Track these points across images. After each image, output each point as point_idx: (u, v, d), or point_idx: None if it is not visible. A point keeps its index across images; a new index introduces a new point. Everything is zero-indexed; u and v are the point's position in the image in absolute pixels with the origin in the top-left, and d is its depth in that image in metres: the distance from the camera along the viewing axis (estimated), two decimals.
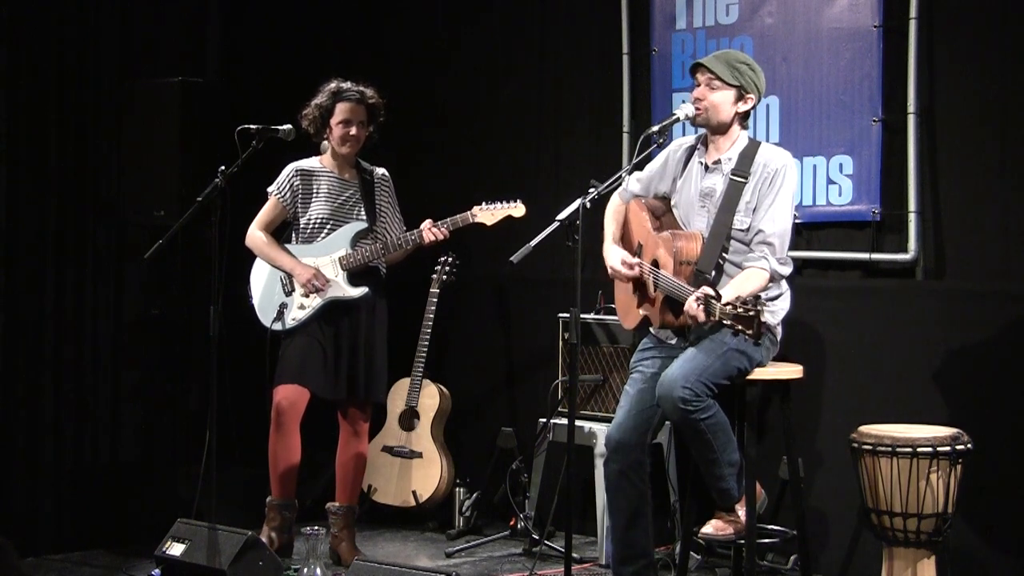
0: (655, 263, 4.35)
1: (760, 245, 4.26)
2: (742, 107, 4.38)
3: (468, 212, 5.08)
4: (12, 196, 5.83)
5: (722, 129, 4.39)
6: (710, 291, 3.99)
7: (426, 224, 5.08)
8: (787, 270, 4.31)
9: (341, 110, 5.09)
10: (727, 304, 3.87)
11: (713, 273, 4.28)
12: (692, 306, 4.03)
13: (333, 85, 5.14)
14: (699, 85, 4.38)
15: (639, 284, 4.46)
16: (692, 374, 4.16)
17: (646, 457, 4.36)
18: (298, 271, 5.10)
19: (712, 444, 4.21)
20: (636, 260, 4.45)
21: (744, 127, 4.43)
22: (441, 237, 5.08)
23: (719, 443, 4.22)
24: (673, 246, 4.29)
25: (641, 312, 4.44)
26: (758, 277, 4.23)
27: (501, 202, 5.08)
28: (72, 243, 6.02)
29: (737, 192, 4.32)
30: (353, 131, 5.10)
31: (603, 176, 4.37)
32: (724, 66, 4.34)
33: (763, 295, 4.07)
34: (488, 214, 5.07)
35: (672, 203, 4.51)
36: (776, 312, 4.36)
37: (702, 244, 4.31)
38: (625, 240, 4.60)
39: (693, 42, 5.51)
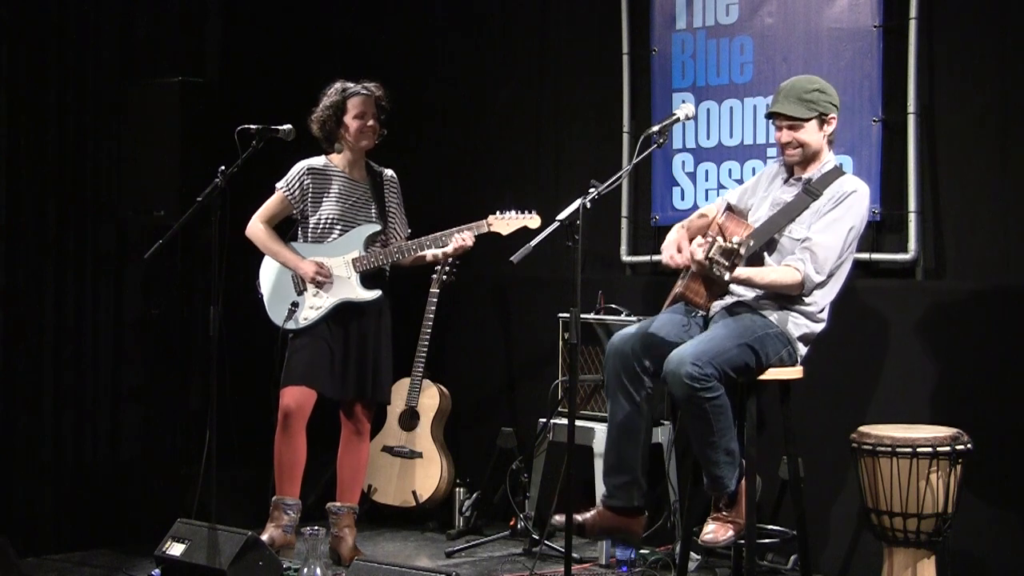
0: None
1: (804, 250, 4.30)
2: (828, 129, 4.41)
3: (484, 220, 5.07)
4: (12, 196, 5.84)
5: (814, 157, 4.42)
6: (720, 237, 4.04)
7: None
8: (819, 278, 4.30)
9: (354, 104, 5.09)
10: (722, 244, 3.95)
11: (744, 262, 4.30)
12: (694, 246, 4.13)
13: (338, 85, 5.14)
14: (780, 130, 4.39)
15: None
16: (705, 355, 4.17)
17: (644, 374, 4.35)
18: (302, 268, 5.10)
19: (713, 426, 4.21)
20: (683, 253, 4.45)
21: (831, 145, 4.44)
22: (469, 244, 5.07)
23: (719, 426, 4.22)
24: (721, 223, 4.35)
25: (678, 287, 4.46)
26: (787, 273, 4.29)
27: (517, 212, 5.07)
28: (72, 243, 6.03)
29: (803, 204, 4.36)
30: (370, 123, 5.11)
31: (603, 176, 4.37)
32: (796, 104, 4.35)
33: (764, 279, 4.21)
34: (504, 223, 5.07)
35: (749, 211, 4.56)
36: (799, 325, 4.37)
37: (748, 233, 4.34)
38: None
39: (693, 42, 5.52)
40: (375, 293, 5.10)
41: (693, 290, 4.31)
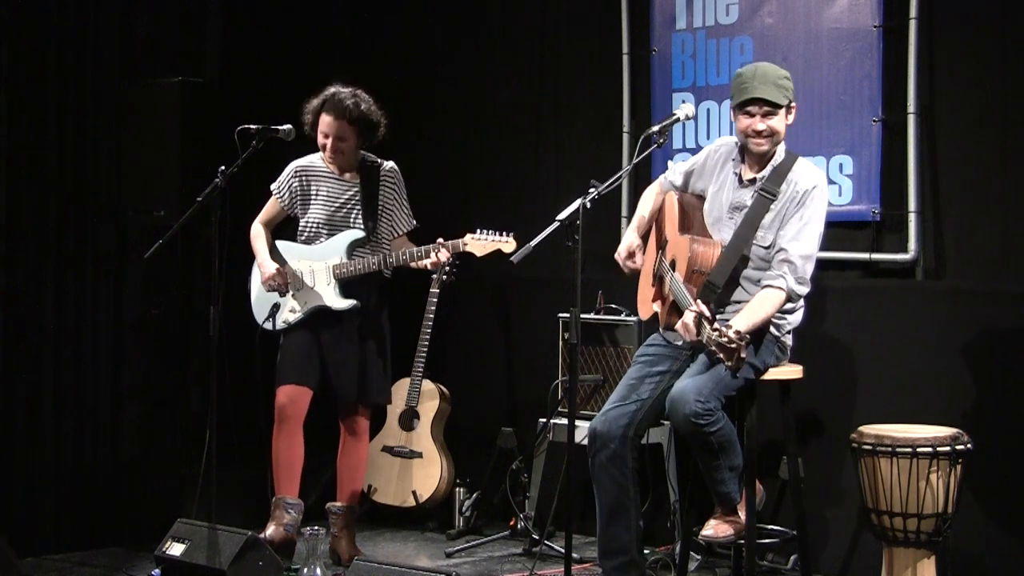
0: (672, 264, 4.36)
1: (781, 263, 4.25)
2: (790, 119, 4.37)
3: (460, 240, 5.04)
4: (12, 196, 5.83)
5: (774, 149, 4.36)
6: (706, 312, 3.97)
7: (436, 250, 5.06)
8: (804, 290, 4.29)
9: (323, 122, 5.06)
10: (715, 331, 3.84)
11: (723, 286, 4.26)
12: (687, 322, 4.05)
13: (330, 91, 5.08)
14: (753, 116, 4.29)
15: (658, 278, 4.47)
16: (706, 388, 4.15)
17: (628, 451, 4.32)
18: (262, 269, 5.12)
19: (718, 453, 4.21)
20: (637, 261, 4.45)
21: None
22: (443, 260, 5.04)
23: (725, 451, 4.22)
24: (690, 250, 4.28)
25: (654, 307, 4.45)
26: (774, 297, 4.23)
27: (494, 234, 5.03)
28: (72, 243, 6.02)
29: (763, 208, 4.30)
30: (330, 144, 5.07)
31: (603, 176, 4.36)
32: (775, 90, 4.27)
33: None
34: (480, 245, 5.02)
35: (703, 208, 4.49)
36: (781, 325, 4.36)
37: (720, 254, 4.30)
38: (657, 227, 4.60)
39: (693, 42, 5.52)
40: (350, 303, 5.07)
41: (674, 319, 4.27)
